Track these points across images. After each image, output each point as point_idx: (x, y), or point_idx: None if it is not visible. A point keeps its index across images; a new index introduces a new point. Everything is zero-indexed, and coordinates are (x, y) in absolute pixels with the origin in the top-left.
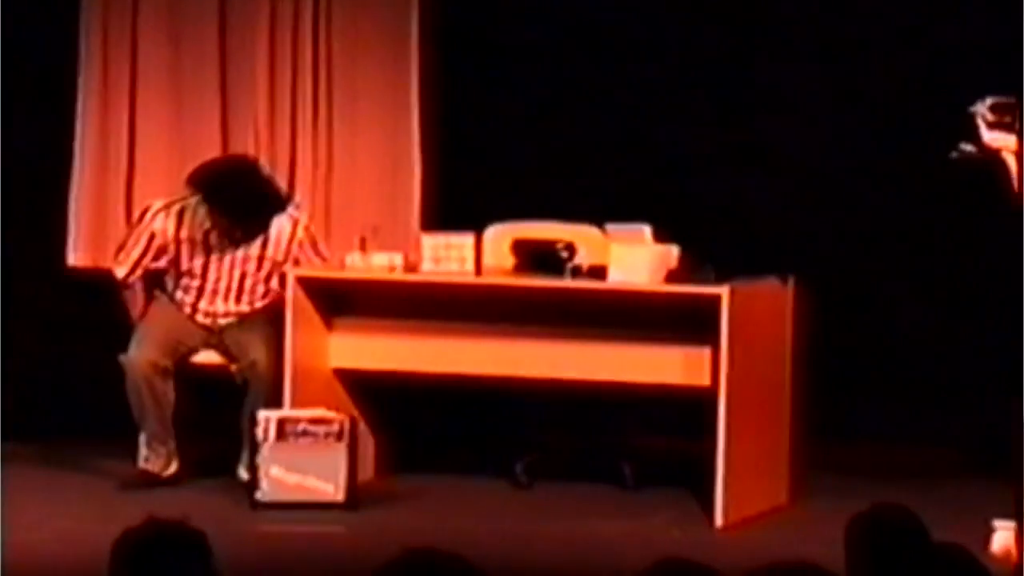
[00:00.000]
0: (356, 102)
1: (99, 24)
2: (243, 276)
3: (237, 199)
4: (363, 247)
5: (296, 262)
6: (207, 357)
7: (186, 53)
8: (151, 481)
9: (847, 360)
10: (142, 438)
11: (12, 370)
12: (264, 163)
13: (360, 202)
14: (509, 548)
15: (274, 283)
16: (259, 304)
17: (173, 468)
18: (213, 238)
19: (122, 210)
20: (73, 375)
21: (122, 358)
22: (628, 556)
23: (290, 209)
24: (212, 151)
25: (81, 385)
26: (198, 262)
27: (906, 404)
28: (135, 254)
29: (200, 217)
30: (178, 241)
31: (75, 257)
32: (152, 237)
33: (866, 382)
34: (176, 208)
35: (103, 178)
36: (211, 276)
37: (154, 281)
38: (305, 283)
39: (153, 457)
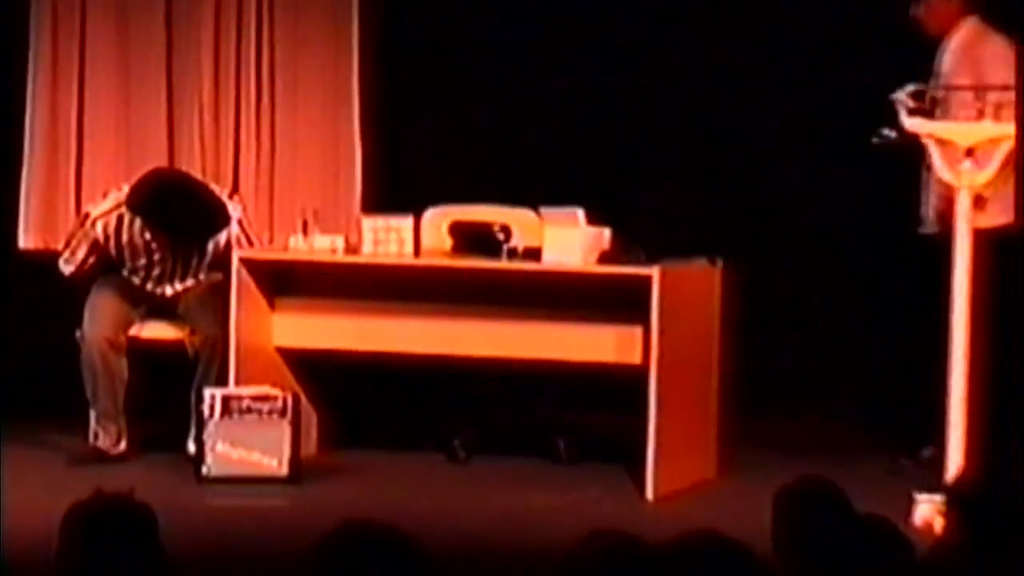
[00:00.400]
0: (297, 89)
1: (48, 13)
2: (186, 265)
3: (174, 222)
4: (305, 230)
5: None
6: (158, 332)
7: (133, 43)
8: (101, 457)
9: (773, 339)
10: (92, 415)
11: None
12: (208, 149)
13: (302, 186)
14: (447, 521)
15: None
16: (202, 276)
17: (122, 446)
18: (153, 245)
19: (72, 196)
20: (24, 353)
21: (78, 334)
22: (562, 528)
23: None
24: (158, 139)
25: (32, 363)
26: (141, 261)
27: (829, 382)
28: (80, 255)
29: (139, 226)
30: (119, 246)
31: (26, 240)
32: (95, 242)
33: (790, 361)
34: (113, 217)
35: (53, 164)
36: (155, 271)
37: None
38: (249, 264)
39: (103, 434)
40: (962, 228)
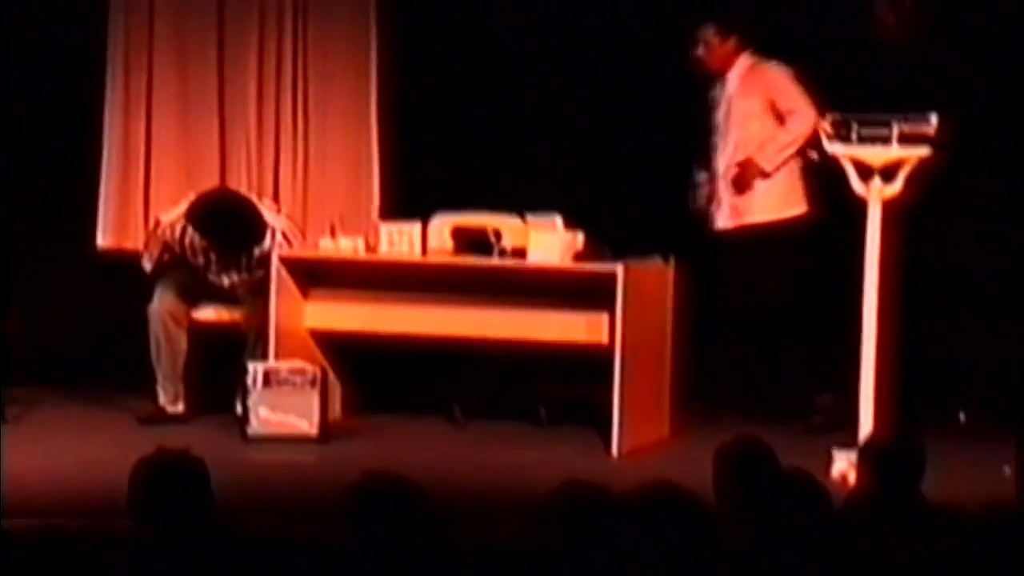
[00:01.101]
0: (326, 115)
1: (121, 49)
2: (238, 262)
3: (221, 235)
4: (332, 233)
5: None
6: (215, 315)
7: (191, 75)
8: (163, 417)
9: (715, 322)
10: (158, 378)
11: (49, 326)
12: (253, 165)
13: (330, 196)
14: (447, 473)
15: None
16: (257, 273)
17: (180, 406)
18: (210, 254)
19: (141, 202)
20: (102, 333)
21: (147, 309)
22: (542, 479)
23: (269, 220)
24: (212, 155)
25: (110, 340)
26: (200, 259)
27: (761, 357)
28: (155, 254)
29: (195, 238)
30: (183, 247)
31: (103, 240)
32: (165, 243)
33: (729, 339)
34: (179, 228)
35: (125, 176)
36: (212, 267)
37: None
38: (286, 262)
39: (163, 393)
40: (873, 237)
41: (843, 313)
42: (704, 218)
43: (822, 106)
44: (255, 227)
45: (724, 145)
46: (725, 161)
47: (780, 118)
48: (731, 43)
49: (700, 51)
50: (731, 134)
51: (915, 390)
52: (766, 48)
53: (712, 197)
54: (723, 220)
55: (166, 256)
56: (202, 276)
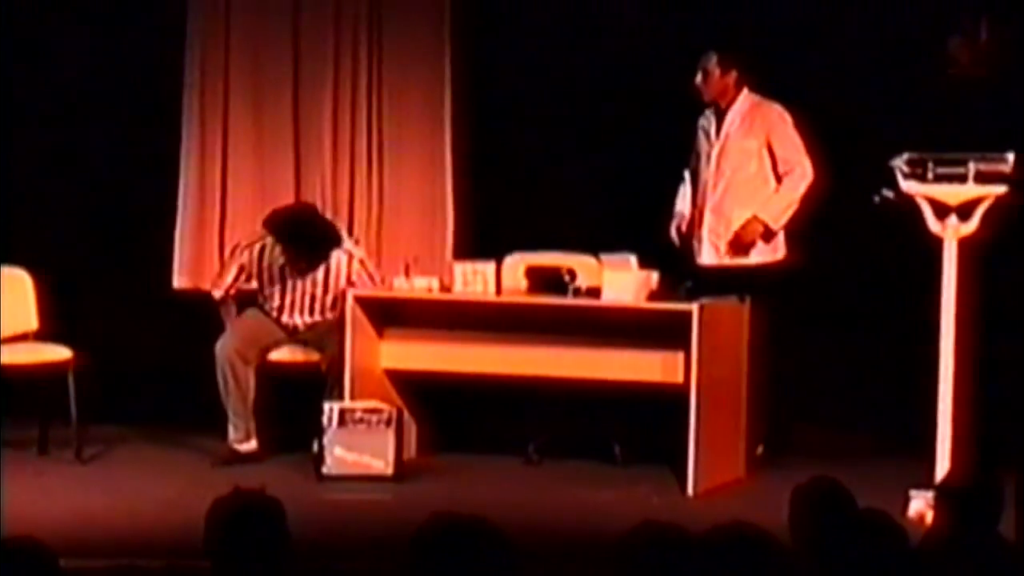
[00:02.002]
0: (401, 158)
1: (197, 94)
2: (312, 298)
3: (299, 236)
4: (407, 272)
5: (353, 286)
6: (290, 356)
7: (266, 121)
8: (236, 457)
9: (790, 362)
10: (228, 416)
11: (126, 366)
12: (328, 206)
13: (404, 237)
14: (522, 513)
15: (338, 303)
16: (329, 315)
17: (253, 444)
18: (286, 271)
19: (216, 245)
20: (177, 371)
21: (215, 347)
22: (617, 519)
23: (346, 244)
24: (287, 199)
25: (183, 379)
26: (276, 288)
27: (838, 399)
28: (227, 280)
29: (275, 254)
30: (260, 271)
31: (179, 280)
32: (240, 269)
33: (805, 380)
34: (257, 247)
35: (201, 220)
36: (287, 299)
37: (246, 300)
38: (361, 301)
39: (233, 431)
40: (949, 275)
41: (920, 351)
42: (687, 250)
43: (816, 154)
44: (329, 233)
45: (716, 181)
46: (715, 199)
47: (774, 161)
48: (731, 76)
49: (699, 79)
50: (725, 172)
51: (993, 429)
52: (848, 89)
53: (693, 231)
54: (708, 256)
55: (236, 282)
56: (276, 318)
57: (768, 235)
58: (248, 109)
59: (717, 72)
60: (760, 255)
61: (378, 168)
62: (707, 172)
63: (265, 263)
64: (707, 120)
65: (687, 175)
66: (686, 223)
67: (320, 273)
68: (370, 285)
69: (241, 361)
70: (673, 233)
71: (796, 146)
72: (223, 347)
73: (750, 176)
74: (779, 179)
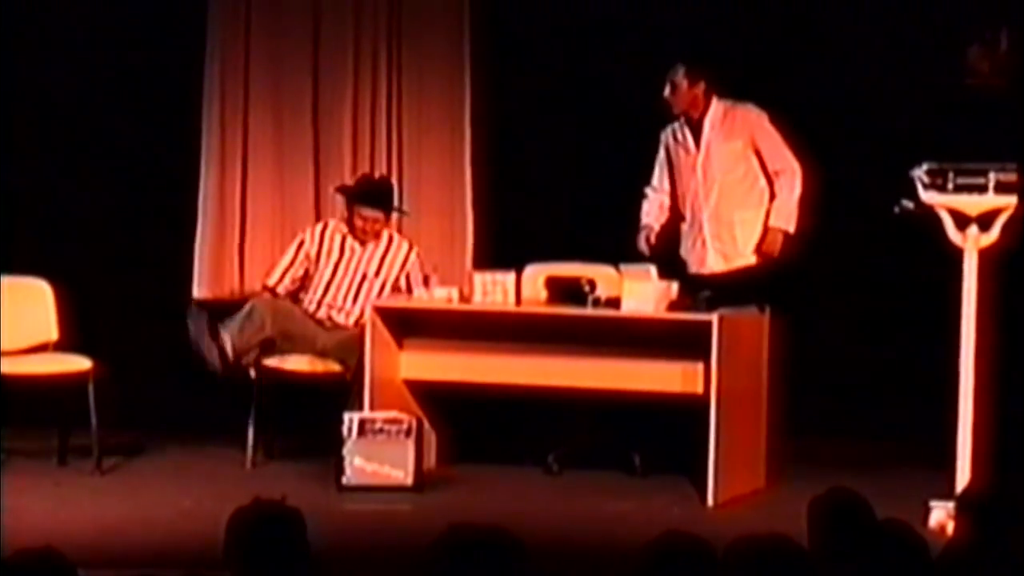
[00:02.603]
0: (421, 169)
1: (217, 105)
2: (364, 277)
3: (370, 196)
4: (427, 283)
5: (407, 285)
6: (309, 365)
7: (286, 134)
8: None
9: (810, 372)
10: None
11: (146, 376)
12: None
13: (424, 247)
14: (542, 523)
15: (383, 297)
16: (363, 321)
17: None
18: (346, 245)
19: (236, 257)
20: (197, 381)
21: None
22: (637, 529)
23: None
24: (306, 210)
25: (203, 389)
26: (332, 261)
27: (857, 408)
28: (284, 262)
29: (338, 228)
30: (320, 243)
31: (199, 291)
32: (300, 244)
33: (826, 390)
34: (320, 225)
35: (220, 232)
36: (339, 273)
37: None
38: (382, 312)
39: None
40: (969, 285)
41: (941, 362)
42: (679, 263)
43: (798, 151)
44: (398, 203)
45: (707, 189)
46: (711, 207)
47: (761, 159)
48: (700, 87)
49: (667, 92)
50: (715, 178)
51: (1013, 439)
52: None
53: (696, 243)
54: (715, 263)
55: (294, 267)
56: (313, 312)
57: (788, 240)
58: (268, 119)
59: (685, 84)
60: (750, 257)
61: (398, 178)
62: (693, 182)
63: (327, 236)
64: (678, 132)
65: (650, 192)
66: (655, 235)
67: (379, 251)
68: (420, 282)
69: (268, 309)
70: (642, 244)
71: (778, 143)
72: (258, 298)
73: (740, 177)
74: (768, 177)
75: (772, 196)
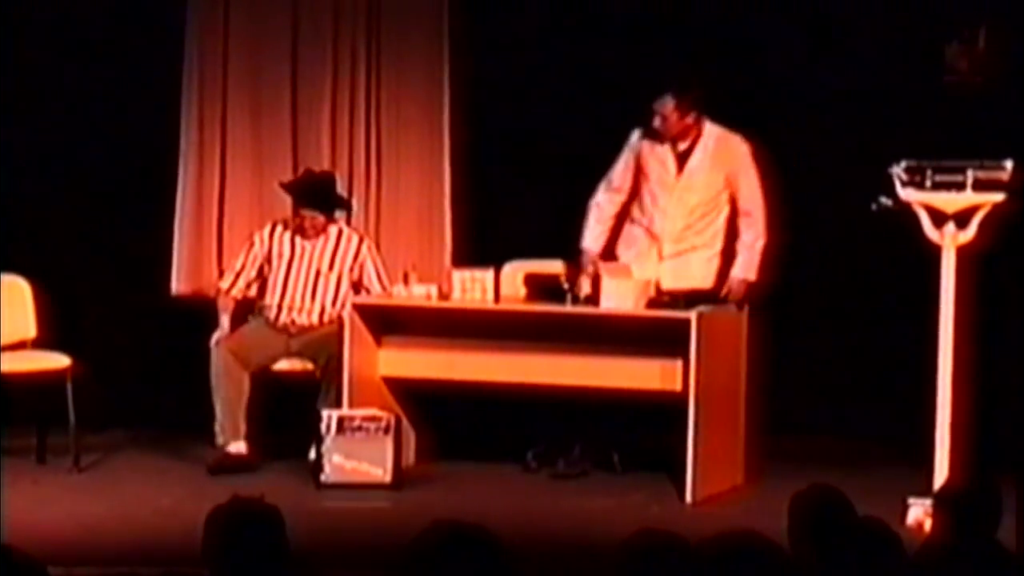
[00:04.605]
0: (399, 166)
1: (195, 102)
2: (318, 274)
3: (311, 193)
4: (406, 280)
5: (359, 277)
6: (286, 365)
7: (265, 129)
8: (229, 461)
9: (789, 370)
10: (216, 416)
11: (124, 373)
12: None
13: (403, 245)
14: (522, 521)
15: (341, 292)
16: (327, 317)
17: (242, 446)
18: (296, 241)
19: (214, 253)
20: (175, 378)
21: (212, 341)
22: (616, 527)
23: (355, 224)
24: (285, 207)
25: (182, 386)
26: (284, 261)
27: (835, 405)
28: (237, 265)
29: (288, 226)
30: (271, 244)
31: (177, 287)
32: (251, 246)
33: (804, 387)
34: (268, 226)
35: (199, 227)
36: (293, 272)
37: (245, 309)
38: (360, 309)
39: (221, 434)
40: (947, 283)
41: (919, 359)
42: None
43: (770, 186)
44: (341, 197)
45: (676, 216)
46: (675, 233)
47: (735, 196)
48: (691, 116)
49: (656, 123)
50: (688, 202)
51: (991, 437)
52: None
53: (649, 253)
54: (670, 281)
55: (247, 269)
56: (274, 320)
57: (751, 287)
58: (246, 116)
59: (675, 116)
60: (705, 281)
61: (376, 175)
62: (664, 201)
63: (277, 236)
64: (659, 149)
65: (606, 193)
66: (593, 264)
67: (330, 245)
68: (372, 273)
69: (237, 363)
70: (584, 274)
71: (755, 182)
72: (219, 346)
73: (709, 209)
74: (735, 210)
75: (736, 234)
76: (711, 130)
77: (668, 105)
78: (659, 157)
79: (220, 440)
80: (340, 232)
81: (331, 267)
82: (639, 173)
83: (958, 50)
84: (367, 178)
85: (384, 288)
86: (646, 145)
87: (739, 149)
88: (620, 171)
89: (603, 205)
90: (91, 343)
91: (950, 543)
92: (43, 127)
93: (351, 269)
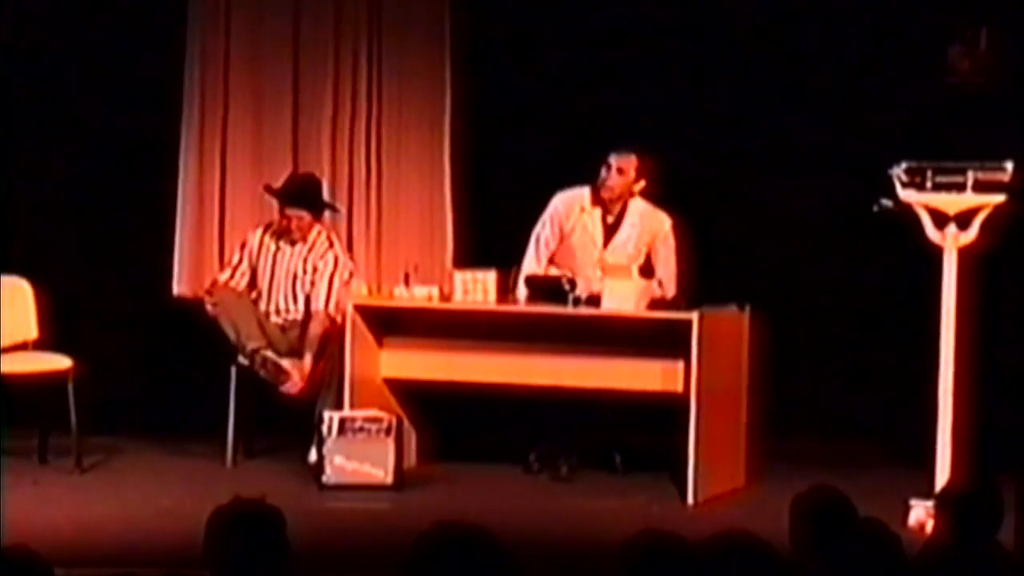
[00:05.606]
0: (400, 168)
1: (197, 104)
2: (295, 277)
3: (292, 196)
4: (407, 281)
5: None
6: (288, 364)
7: (266, 122)
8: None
9: (790, 371)
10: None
11: (125, 374)
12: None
13: (404, 246)
14: (524, 522)
15: (312, 297)
16: (312, 314)
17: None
18: (280, 244)
19: (215, 254)
20: (176, 379)
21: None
22: (617, 528)
23: (337, 216)
24: None
25: (182, 387)
26: (269, 263)
27: (837, 406)
28: (234, 261)
29: (276, 229)
30: (260, 245)
31: (178, 288)
32: (244, 245)
33: (805, 388)
34: (261, 228)
35: (199, 229)
36: (276, 274)
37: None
38: (361, 310)
39: (248, 340)
40: (949, 284)
41: (920, 360)
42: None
43: (685, 262)
44: (323, 200)
45: (597, 271)
46: (596, 285)
47: (652, 267)
48: (640, 184)
49: (610, 176)
50: (606, 264)
51: (992, 438)
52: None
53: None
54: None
55: (242, 265)
56: (266, 303)
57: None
58: (247, 118)
59: (632, 176)
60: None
61: (377, 176)
62: (591, 269)
63: (267, 238)
64: (587, 216)
65: (539, 244)
66: (538, 281)
67: (305, 250)
68: (323, 291)
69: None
70: (526, 286)
71: (671, 257)
72: (218, 284)
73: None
74: (651, 272)
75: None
76: (636, 204)
77: (630, 162)
78: (586, 226)
79: (249, 347)
80: (316, 237)
81: (305, 271)
82: (563, 239)
83: (960, 51)
84: (368, 179)
85: (325, 309)
86: (574, 212)
87: (662, 226)
88: (535, 251)
89: (530, 253)
90: (92, 344)
91: (952, 544)
92: (44, 128)
93: (321, 278)
